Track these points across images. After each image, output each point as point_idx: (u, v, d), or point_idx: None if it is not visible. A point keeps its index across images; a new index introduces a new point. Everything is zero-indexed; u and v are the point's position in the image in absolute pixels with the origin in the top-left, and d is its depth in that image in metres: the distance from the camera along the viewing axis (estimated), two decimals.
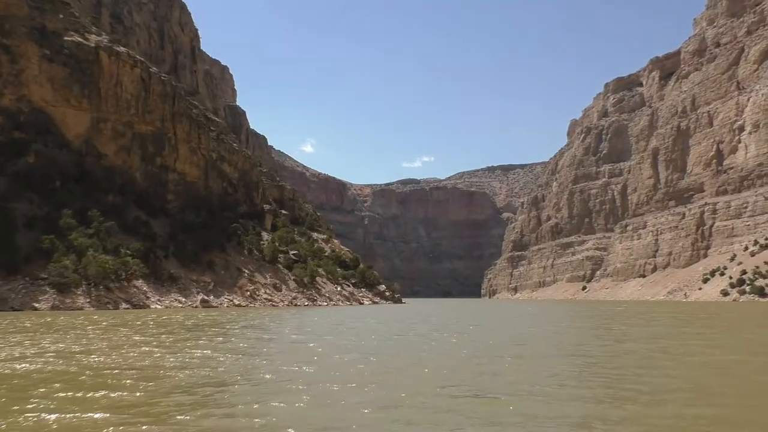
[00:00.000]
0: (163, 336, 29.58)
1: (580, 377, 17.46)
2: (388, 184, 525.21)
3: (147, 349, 23.59)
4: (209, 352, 22.66)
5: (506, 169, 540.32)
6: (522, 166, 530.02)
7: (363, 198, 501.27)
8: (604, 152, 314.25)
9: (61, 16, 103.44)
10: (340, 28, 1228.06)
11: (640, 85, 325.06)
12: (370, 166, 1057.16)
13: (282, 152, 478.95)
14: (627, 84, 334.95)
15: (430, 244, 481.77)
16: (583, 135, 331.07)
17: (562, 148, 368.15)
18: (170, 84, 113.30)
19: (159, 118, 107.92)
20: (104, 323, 39.19)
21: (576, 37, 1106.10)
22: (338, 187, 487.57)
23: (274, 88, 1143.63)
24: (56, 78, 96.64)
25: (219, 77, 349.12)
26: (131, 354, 21.82)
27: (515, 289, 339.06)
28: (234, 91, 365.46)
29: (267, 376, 16.80)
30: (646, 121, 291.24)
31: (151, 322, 39.88)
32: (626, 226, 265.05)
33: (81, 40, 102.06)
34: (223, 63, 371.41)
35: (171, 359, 20.12)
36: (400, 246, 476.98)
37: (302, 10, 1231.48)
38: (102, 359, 20.32)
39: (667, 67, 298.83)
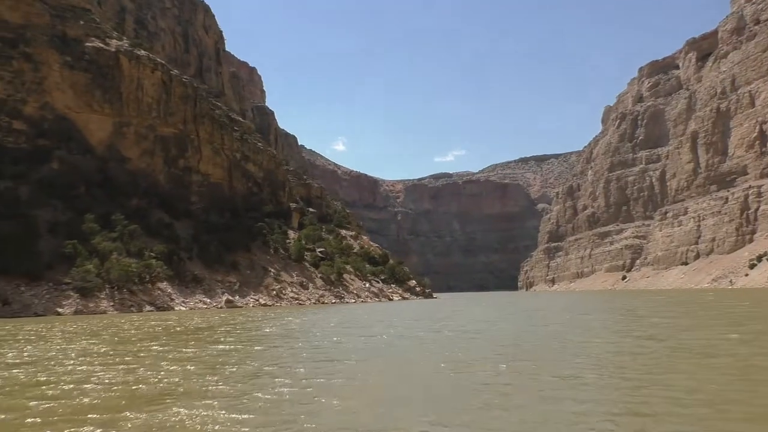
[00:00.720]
0: (136, 343, 27.40)
1: (557, 393, 14.13)
2: (420, 179, 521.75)
3: (88, 359, 21.50)
4: (164, 363, 20.28)
5: (540, 159, 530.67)
6: (556, 156, 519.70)
7: (395, 194, 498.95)
8: (640, 138, 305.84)
9: (81, 22, 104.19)
10: (367, 25, 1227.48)
11: (676, 68, 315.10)
12: (403, 162, 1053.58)
13: (313, 151, 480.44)
14: (662, 67, 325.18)
15: (464, 238, 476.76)
16: (618, 121, 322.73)
17: (596, 136, 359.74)
18: (191, 86, 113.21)
19: (181, 120, 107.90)
20: (98, 327, 37.98)
21: (607, 21, 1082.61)
22: (370, 184, 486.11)
23: (304, 88, 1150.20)
24: (78, 84, 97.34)
25: (247, 79, 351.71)
26: (62, 368, 19.45)
27: (552, 281, 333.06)
28: (263, 92, 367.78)
29: (177, 405, 13.50)
30: (683, 104, 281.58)
31: (146, 327, 38.52)
32: (666, 212, 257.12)
33: (102, 45, 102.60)
34: (251, 65, 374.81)
35: (99, 374, 17.94)
36: (433, 241, 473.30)
37: (329, 8, 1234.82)
38: (13, 374, 18.17)
39: (704, 48, 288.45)
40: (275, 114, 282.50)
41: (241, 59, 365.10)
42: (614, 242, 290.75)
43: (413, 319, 49.96)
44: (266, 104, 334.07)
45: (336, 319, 51.12)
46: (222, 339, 29.78)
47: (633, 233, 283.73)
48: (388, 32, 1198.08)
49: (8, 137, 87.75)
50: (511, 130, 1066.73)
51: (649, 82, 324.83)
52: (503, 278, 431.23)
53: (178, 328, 37.65)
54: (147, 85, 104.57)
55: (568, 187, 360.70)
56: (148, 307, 72.44)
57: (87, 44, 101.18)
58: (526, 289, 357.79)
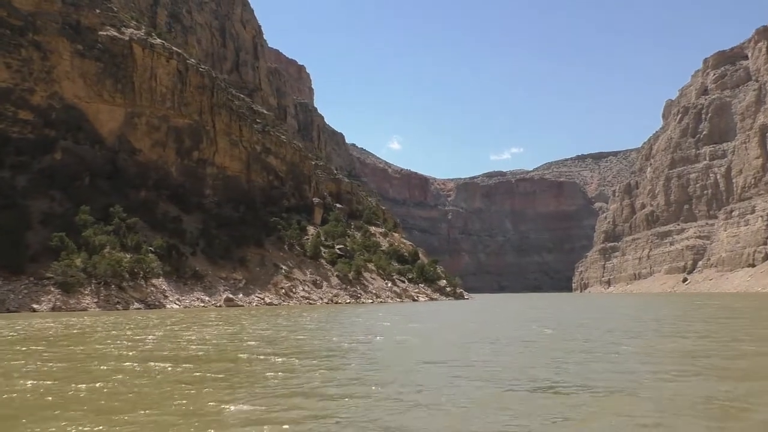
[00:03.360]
0: None
1: None
2: (472, 178, 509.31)
3: None
4: None
5: (597, 157, 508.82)
6: (614, 154, 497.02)
7: (446, 192, 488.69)
8: (704, 133, 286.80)
9: (97, 11, 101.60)
10: (422, 22, 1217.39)
11: (745, 58, 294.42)
12: (457, 160, 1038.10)
13: (364, 150, 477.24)
14: (729, 58, 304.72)
15: (517, 237, 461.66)
16: (680, 115, 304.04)
17: (656, 132, 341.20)
18: (209, 75, 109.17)
19: (196, 111, 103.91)
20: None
21: (669, 12, 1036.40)
22: (421, 182, 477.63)
23: (360, 87, 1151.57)
24: (89, 73, 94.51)
25: (296, 77, 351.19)
26: None
27: (608, 283, 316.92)
28: (311, 90, 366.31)
29: None
30: (752, 96, 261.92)
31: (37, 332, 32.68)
32: (731, 211, 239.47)
33: (115, 34, 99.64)
34: (300, 63, 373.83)
35: None
36: (485, 240, 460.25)
37: (386, 4, 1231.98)
38: None
39: None
40: (324, 112, 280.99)
41: (291, 57, 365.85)
42: (674, 242, 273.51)
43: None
44: (315, 102, 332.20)
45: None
46: (68, 355, 23.32)
47: (695, 233, 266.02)
48: (444, 31, 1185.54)
49: (13, 127, 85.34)
50: (570, 127, 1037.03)
51: (714, 74, 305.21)
52: (558, 279, 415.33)
53: (67, 332, 31.62)
54: (161, 74, 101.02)
55: (626, 184, 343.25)
56: (136, 305, 67.95)
57: (100, 33, 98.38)
58: (581, 291, 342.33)
